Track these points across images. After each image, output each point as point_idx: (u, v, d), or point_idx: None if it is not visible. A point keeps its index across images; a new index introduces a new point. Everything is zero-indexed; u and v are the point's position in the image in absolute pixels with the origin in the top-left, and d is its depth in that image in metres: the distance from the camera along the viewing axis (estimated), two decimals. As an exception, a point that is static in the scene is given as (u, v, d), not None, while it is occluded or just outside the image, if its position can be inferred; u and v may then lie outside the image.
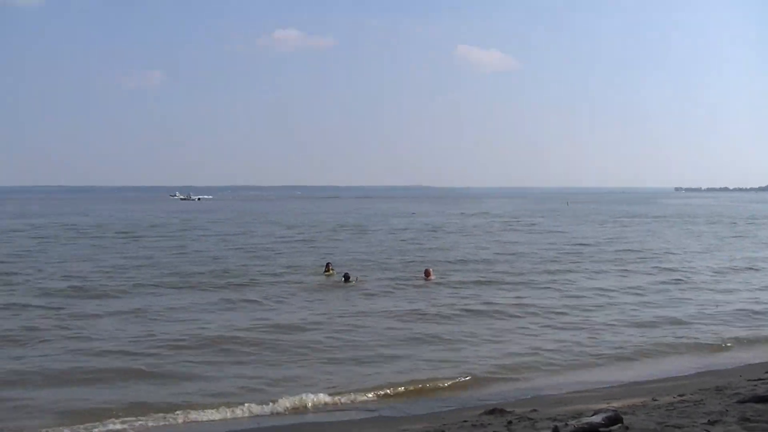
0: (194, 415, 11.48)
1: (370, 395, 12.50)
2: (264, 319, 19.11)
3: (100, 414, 11.37)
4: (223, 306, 21.38)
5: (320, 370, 14.20)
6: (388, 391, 12.72)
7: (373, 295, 23.64)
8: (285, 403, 11.96)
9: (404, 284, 25.99)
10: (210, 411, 11.62)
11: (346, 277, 26.25)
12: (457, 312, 20.21)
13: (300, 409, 11.86)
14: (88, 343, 16.18)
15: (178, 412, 11.59)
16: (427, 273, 27.21)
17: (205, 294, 23.65)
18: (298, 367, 14.40)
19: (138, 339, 16.63)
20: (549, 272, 29.35)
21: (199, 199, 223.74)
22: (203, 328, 17.89)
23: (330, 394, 12.39)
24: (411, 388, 12.91)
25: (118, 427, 10.97)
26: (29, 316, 19.34)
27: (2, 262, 33.31)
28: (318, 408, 11.92)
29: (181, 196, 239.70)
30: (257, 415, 11.60)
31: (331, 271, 28.19)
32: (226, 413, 11.58)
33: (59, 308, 20.60)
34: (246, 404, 11.86)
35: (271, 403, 11.94)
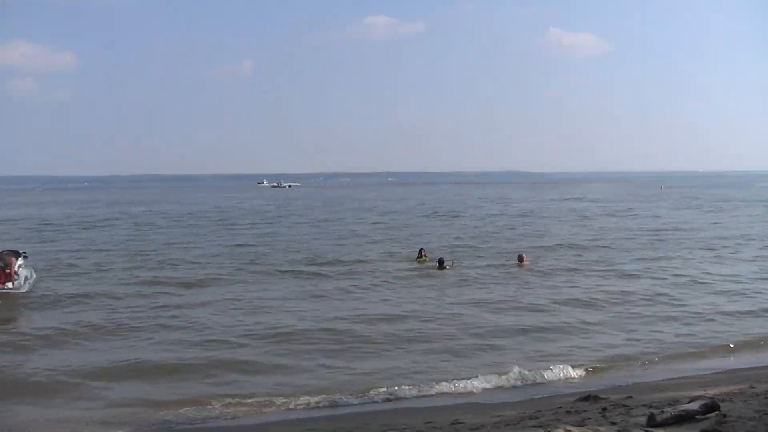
0: (287, 403, 11.73)
1: (460, 384, 12.53)
2: (357, 309, 19.15)
3: (194, 403, 11.67)
4: (315, 294, 21.44)
5: (412, 359, 14.24)
6: (481, 380, 12.71)
7: (466, 281, 23.55)
8: (380, 391, 12.16)
9: (498, 270, 25.89)
10: (305, 398, 11.86)
11: (441, 263, 26.28)
12: (551, 300, 19.99)
13: (394, 397, 12.00)
14: (180, 333, 16.43)
15: (269, 399, 11.87)
16: (520, 258, 27.12)
17: (297, 282, 23.87)
18: (391, 357, 14.45)
19: (230, 328, 16.86)
20: (645, 259, 28.66)
21: (289, 186, 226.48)
22: (295, 317, 18.06)
23: (423, 383, 12.53)
24: (504, 377, 12.88)
25: (215, 413, 11.32)
26: (122, 306, 19.72)
27: (99, 250, 34.41)
28: (410, 396, 12.04)
29: (272, 184, 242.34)
30: (352, 404, 11.79)
31: (424, 257, 28.28)
32: (316, 402, 11.79)
33: (152, 297, 21.03)
34: (338, 395, 12.06)
35: (366, 392, 12.15)
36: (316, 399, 11.86)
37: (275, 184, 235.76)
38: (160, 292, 21.75)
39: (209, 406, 11.49)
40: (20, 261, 22.92)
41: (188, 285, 23.30)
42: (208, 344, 15.29)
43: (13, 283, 22.06)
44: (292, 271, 26.24)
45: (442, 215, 61.61)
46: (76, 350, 14.96)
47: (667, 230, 42.31)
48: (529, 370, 13.15)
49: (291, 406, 11.61)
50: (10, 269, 22.10)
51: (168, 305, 19.63)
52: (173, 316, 18.21)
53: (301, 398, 11.87)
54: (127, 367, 13.66)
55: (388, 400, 11.89)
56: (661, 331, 16.46)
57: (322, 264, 28.10)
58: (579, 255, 30.37)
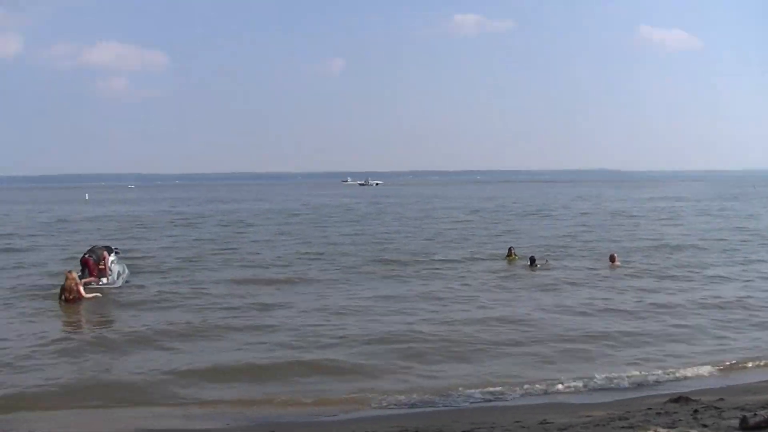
0: (376, 402, 11.85)
1: (548, 385, 12.50)
2: (445, 310, 19.02)
3: (284, 402, 11.80)
4: (403, 295, 21.22)
5: (500, 362, 14.12)
6: (570, 381, 12.68)
7: (556, 282, 23.25)
8: (467, 392, 12.24)
9: (589, 270, 25.66)
10: (393, 397, 11.95)
11: (532, 261, 26.20)
12: (641, 303, 19.59)
13: (481, 398, 12.03)
14: (270, 334, 16.35)
15: (360, 397, 12.02)
16: (612, 258, 26.79)
17: (385, 282, 23.81)
18: (479, 360, 14.33)
19: (318, 328, 16.86)
20: (739, 261, 27.88)
21: (377, 184, 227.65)
22: (383, 318, 18.02)
23: (510, 384, 12.55)
24: (593, 380, 12.79)
25: (306, 411, 11.48)
26: (211, 305, 19.85)
27: (189, 248, 35.22)
28: (498, 396, 12.07)
29: (360, 182, 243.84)
30: (439, 403, 11.85)
31: (513, 256, 28.22)
32: (404, 400, 11.89)
33: (241, 296, 21.05)
34: (426, 394, 12.13)
35: (453, 393, 12.24)
36: (403, 398, 11.95)
37: (363, 182, 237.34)
38: (249, 292, 21.81)
39: (300, 404, 11.68)
40: (113, 257, 23.62)
41: (277, 283, 23.47)
42: (297, 344, 15.33)
43: (107, 279, 22.80)
44: (381, 270, 26.31)
45: (532, 214, 61.32)
46: (166, 350, 15.09)
47: (763, 231, 40.97)
48: (619, 373, 13.08)
49: (379, 405, 11.72)
50: (104, 264, 22.83)
51: (257, 304, 19.76)
52: (262, 316, 18.30)
53: (390, 397, 11.97)
54: (217, 367, 13.73)
55: (475, 400, 11.92)
56: (755, 337, 16.03)
57: (410, 263, 28.12)
58: (670, 255, 29.79)
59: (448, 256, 30.05)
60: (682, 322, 17.29)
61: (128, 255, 27.83)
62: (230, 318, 18.00)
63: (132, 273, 24.15)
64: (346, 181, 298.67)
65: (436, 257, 29.96)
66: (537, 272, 25.16)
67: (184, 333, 16.37)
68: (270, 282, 23.73)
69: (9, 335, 16.24)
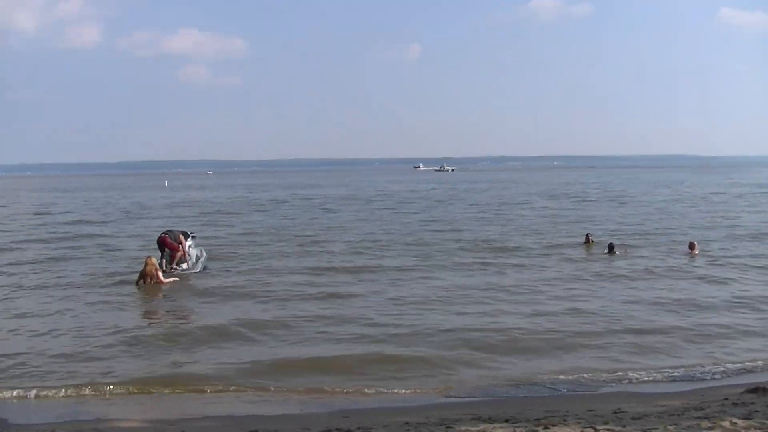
0: (449, 390, 12.03)
1: (614, 375, 12.50)
2: (522, 299, 18.79)
3: (350, 393, 11.96)
4: (477, 284, 20.90)
5: (576, 354, 13.92)
6: (645, 371, 12.64)
7: (633, 271, 22.74)
8: (540, 379, 12.33)
9: (668, 258, 25.23)
10: (466, 385, 12.17)
11: (611, 248, 25.97)
12: (721, 295, 19.09)
13: (553, 386, 12.03)
14: (342, 326, 16.18)
15: (433, 386, 12.26)
16: (691, 246, 26.32)
17: (460, 271, 23.41)
18: (552, 352, 14.08)
19: (393, 318, 16.76)
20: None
21: (452, 170, 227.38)
22: (457, 308, 17.83)
23: (585, 372, 12.59)
24: (669, 370, 12.71)
25: (382, 397, 11.77)
26: (285, 292, 19.79)
27: (266, 234, 35.66)
28: (570, 385, 12.06)
29: (435, 168, 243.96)
30: (512, 392, 11.95)
31: (591, 242, 28.00)
32: (477, 389, 12.09)
33: (318, 285, 20.96)
34: (499, 384, 12.22)
35: (526, 382, 12.27)
36: (476, 387, 12.05)
37: (438, 168, 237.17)
38: (325, 281, 21.74)
39: (373, 393, 11.84)
40: (190, 241, 24.09)
41: (353, 272, 23.36)
42: (371, 334, 15.35)
43: (187, 264, 23.33)
44: (457, 257, 26.20)
45: (611, 200, 60.43)
46: (240, 339, 15.07)
47: None
48: (694, 363, 13.00)
49: (452, 394, 11.83)
50: (182, 247, 23.33)
51: (332, 293, 19.61)
52: (337, 305, 18.20)
53: (463, 387, 12.09)
54: (290, 356, 13.80)
55: (549, 389, 11.92)
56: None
57: (487, 250, 28.05)
58: (752, 244, 29.01)
59: (525, 243, 29.88)
60: (762, 316, 16.82)
61: (205, 243, 28.20)
62: (305, 307, 17.98)
63: (208, 258, 24.40)
64: (418, 167, 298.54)
65: (512, 244, 29.78)
66: (615, 260, 24.90)
67: (258, 322, 16.36)
68: (345, 270, 23.66)
69: (85, 322, 16.60)
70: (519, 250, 28.16)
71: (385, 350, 14.10)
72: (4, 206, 69.50)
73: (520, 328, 15.62)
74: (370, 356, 13.73)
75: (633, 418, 9.18)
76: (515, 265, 24.24)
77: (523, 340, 14.74)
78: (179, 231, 24.29)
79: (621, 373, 12.54)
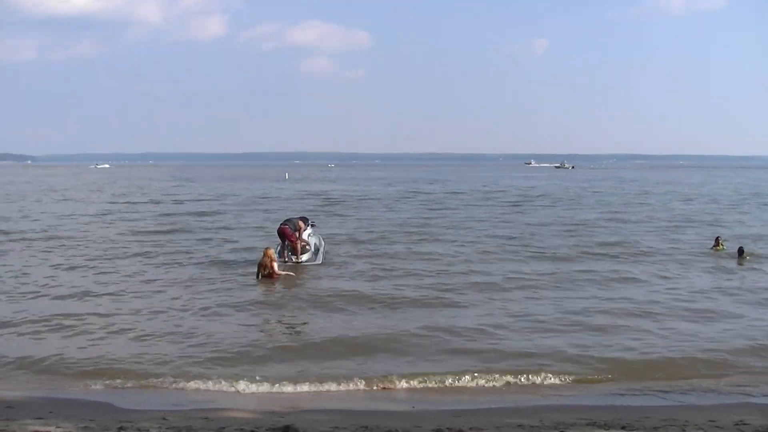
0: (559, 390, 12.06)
1: (737, 386, 12.11)
2: (643, 304, 18.01)
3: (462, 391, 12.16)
4: (598, 294, 19.69)
5: (694, 361, 13.45)
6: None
7: (763, 277, 21.84)
8: (657, 384, 12.15)
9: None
10: (584, 386, 12.10)
11: (740, 252, 25.03)
12: None
13: (671, 391, 11.86)
14: (458, 319, 16.30)
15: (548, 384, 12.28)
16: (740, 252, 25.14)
17: (582, 274, 22.35)
18: (674, 359, 13.62)
19: (510, 317, 16.59)
20: None
21: (572, 167, 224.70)
22: (581, 310, 17.35)
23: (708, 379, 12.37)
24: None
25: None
26: (399, 294, 19.08)
27: (386, 228, 35.57)
28: (690, 393, 11.81)
29: (556, 164, 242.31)
30: (629, 396, 11.76)
31: (721, 246, 26.84)
32: (597, 391, 12.03)
33: (434, 285, 20.46)
34: (615, 385, 12.16)
35: (643, 387, 12.11)
36: (595, 388, 12.01)
37: (558, 164, 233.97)
38: (441, 282, 21.00)
39: (487, 391, 11.92)
40: (309, 229, 24.24)
41: (471, 273, 22.59)
42: (489, 334, 15.29)
43: (306, 255, 23.38)
44: (578, 258, 25.57)
45: (749, 203, 57.61)
46: (365, 351, 14.16)
47: None
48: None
49: (566, 395, 11.75)
50: (300, 236, 23.44)
51: (449, 302, 18.44)
52: (457, 304, 17.96)
53: (581, 386, 12.07)
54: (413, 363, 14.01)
55: (668, 397, 11.65)
56: None
57: (611, 255, 26.38)
58: None
59: (652, 244, 28.88)
60: None
61: (326, 238, 27.88)
62: (422, 308, 17.45)
63: (328, 250, 24.40)
64: (530, 163, 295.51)
65: (642, 247, 28.44)
66: (745, 265, 23.93)
67: (374, 333, 15.31)
68: (465, 271, 22.62)
69: (201, 318, 16.56)
70: (642, 252, 27.02)
71: (506, 347, 14.01)
72: (125, 193, 72.09)
73: (642, 329, 15.44)
74: (494, 351, 13.70)
75: (756, 431, 9.08)
76: (640, 271, 22.85)
77: (642, 344, 14.39)
78: (298, 218, 24.43)
79: (744, 384, 12.18)
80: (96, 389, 11.82)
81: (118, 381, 12.11)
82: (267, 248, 21.66)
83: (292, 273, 21.58)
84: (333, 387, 12.02)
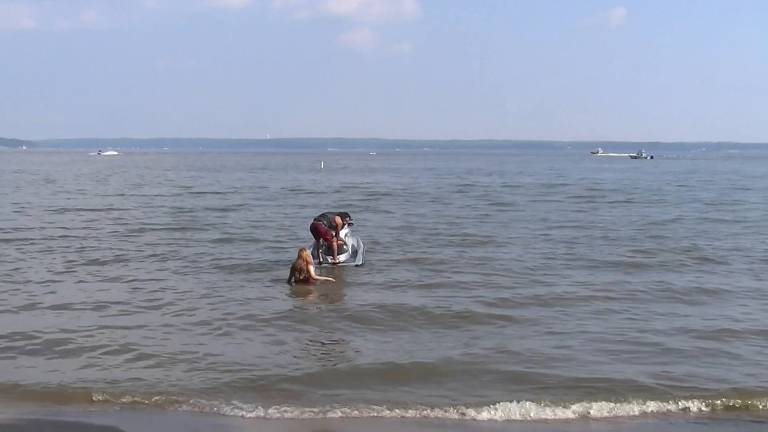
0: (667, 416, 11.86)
1: None
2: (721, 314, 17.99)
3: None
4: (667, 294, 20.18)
5: None
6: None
7: None
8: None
9: None
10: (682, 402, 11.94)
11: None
12: None
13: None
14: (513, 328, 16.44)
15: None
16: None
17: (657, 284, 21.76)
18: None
19: (572, 332, 16.44)
20: None
21: (651, 157, 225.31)
22: (658, 326, 17.03)
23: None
24: None
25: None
26: (445, 301, 18.96)
27: (435, 225, 35.67)
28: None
29: (632, 154, 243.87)
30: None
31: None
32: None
33: (485, 288, 20.74)
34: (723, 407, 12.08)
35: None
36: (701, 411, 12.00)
37: (635, 154, 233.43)
38: (495, 281, 21.48)
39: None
40: (346, 229, 23.90)
41: (525, 279, 22.41)
42: (547, 351, 15.15)
43: (343, 256, 23.05)
44: (665, 264, 25.04)
45: None
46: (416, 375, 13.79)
47: None
48: None
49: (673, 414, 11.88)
50: (336, 231, 23.09)
51: (510, 318, 17.99)
52: (510, 311, 18.00)
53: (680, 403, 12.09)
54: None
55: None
56: None
57: (700, 260, 25.83)
58: None
59: (749, 251, 27.91)
60: None
61: (365, 238, 27.82)
62: (478, 325, 17.03)
63: (368, 251, 24.31)
64: (597, 152, 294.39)
65: (733, 254, 27.26)
66: None
67: (414, 348, 15.23)
68: (527, 282, 21.95)
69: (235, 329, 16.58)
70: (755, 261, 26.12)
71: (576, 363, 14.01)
72: (136, 184, 72.82)
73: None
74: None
75: None
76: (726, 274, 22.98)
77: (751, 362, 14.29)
78: (335, 213, 23.92)
79: None
80: (101, 411, 11.75)
81: (126, 402, 12.03)
82: (302, 249, 21.06)
83: (332, 278, 21.12)
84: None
